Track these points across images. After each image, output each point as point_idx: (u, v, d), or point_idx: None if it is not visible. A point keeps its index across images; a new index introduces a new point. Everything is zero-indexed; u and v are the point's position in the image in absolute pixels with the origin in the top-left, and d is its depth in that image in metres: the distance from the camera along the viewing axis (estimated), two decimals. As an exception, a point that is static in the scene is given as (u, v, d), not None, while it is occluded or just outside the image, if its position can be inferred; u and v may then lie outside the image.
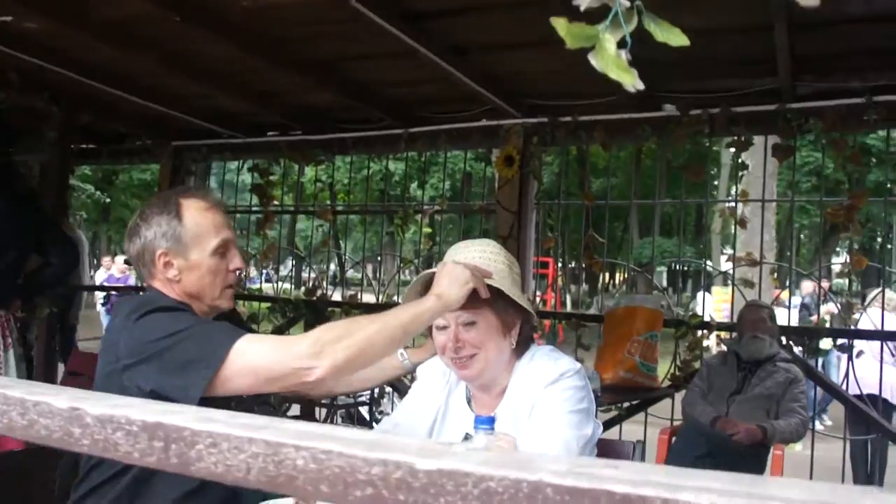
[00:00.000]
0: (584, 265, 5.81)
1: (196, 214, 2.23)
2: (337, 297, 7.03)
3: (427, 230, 6.79)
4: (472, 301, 2.14)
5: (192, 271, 2.21)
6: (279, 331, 6.92)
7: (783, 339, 5.02)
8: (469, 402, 2.32)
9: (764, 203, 5.85)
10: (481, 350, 2.18)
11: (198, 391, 1.90)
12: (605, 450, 2.50)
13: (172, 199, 2.25)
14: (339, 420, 6.87)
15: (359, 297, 6.74)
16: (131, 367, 2.00)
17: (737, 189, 5.53)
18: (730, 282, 5.70)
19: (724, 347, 5.16)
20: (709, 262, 18.54)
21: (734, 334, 5.06)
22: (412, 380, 2.52)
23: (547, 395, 2.14)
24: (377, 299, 6.72)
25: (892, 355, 6.21)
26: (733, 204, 5.51)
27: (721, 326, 5.33)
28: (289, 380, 1.96)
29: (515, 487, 0.60)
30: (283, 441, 0.69)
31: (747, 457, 4.36)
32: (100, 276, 16.51)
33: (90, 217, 26.26)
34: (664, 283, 29.57)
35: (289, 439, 0.69)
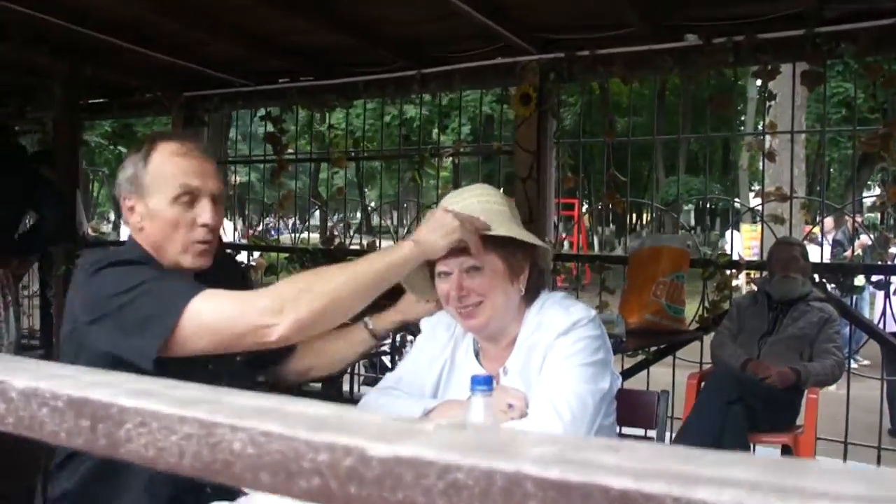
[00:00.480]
0: (609, 206, 5.65)
1: (163, 158, 2.06)
2: (361, 243, 6.91)
3: (445, 174, 6.63)
4: (477, 244, 2.01)
5: (154, 220, 2.04)
6: (298, 281, 6.82)
7: (815, 277, 4.84)
8: (477, 355, 2.18)
9: (793, 135, 5.64)
10: (487, 298, 2.03)
11: (152, 351, 1.77)
12: (629, 401, 2.37)
13: (147, 141, 2.11)
14: (363, 370, 6.80)
15: (377, 244, 6.62)
16: (88, 325, 1.88)
17: (764, 121, 5.31)
18: (759, 219, 5.51)
19: (754, 287, 4.99)
20: (737, 200, 18.26)
21: (765, 273, 4.89)
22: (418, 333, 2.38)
23: (559, 346, 2.00)
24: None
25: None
26: (761, 137, 5.27)
27: (751, 265, 5.17)
28: (248, 339, 1.81)
29: (488, 480, 0.46)
30: (219, 420, 0.56)
31: (780, 401, 4.22)
32: (125, 232, 16.50)
33: (114, 172, 26.32)
34: (692, 222, 29.24)
35: (225, 418, 0.55)
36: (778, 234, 5.12)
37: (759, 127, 17.87)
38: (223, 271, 2.18)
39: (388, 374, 2.30)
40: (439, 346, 2.23)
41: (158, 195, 2.05)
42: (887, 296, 5.00)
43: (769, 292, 4.60)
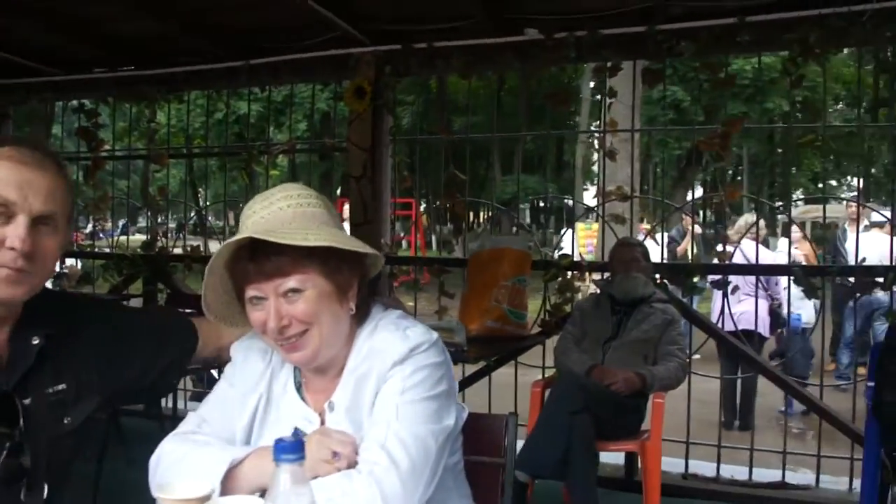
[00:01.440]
0: (448, 205, 5.40)
1: None
2: (185, 247, 6.37)
3: (274, 172, 6.21)
4: (293, 261, 1.67)
5: None
6: (116, 290, 6.28)
7: (657, 277, 4.75)
8: (299, 388, 1.84)
9: (633, 135, 5.58)
10: (314, 325, 1.70)
11: None
12: (474, 428, 2.07)
13: None
14: (189, 385, 6.30)
15: (203, 248, 6.13)
16: None
17: (604, 119, 5.21)
18: (595, 217, 5.41)
19: (596, 289, 4.86)
20: (568, 199, 18.60)
21: (606, 275, 4.77)
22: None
23: (395, 377, 1.69)
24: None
25: (765, 289, 6.12)
26: (601, 135, 5.16)
27: (593, 267, 5.03)
28: None
29: None
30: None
31: (626, 407, 4.08)
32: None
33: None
34: (527, 220, 29.75)
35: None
36: (618, 233, 5.02)
37: (594, 126, 18.25)
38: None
39: (190, 415, 1.90)
40: (253, 379, 1.86)
41: None
42: (725, 296, 4.99)
43: (612, 293, 4.46)
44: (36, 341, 1.77)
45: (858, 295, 4.72)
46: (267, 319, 1.69)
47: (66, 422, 1.80)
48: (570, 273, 5.01)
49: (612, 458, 4.90)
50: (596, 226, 13.20)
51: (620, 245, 4.67)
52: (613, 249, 4.66)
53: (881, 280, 4.46)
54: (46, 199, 1.69)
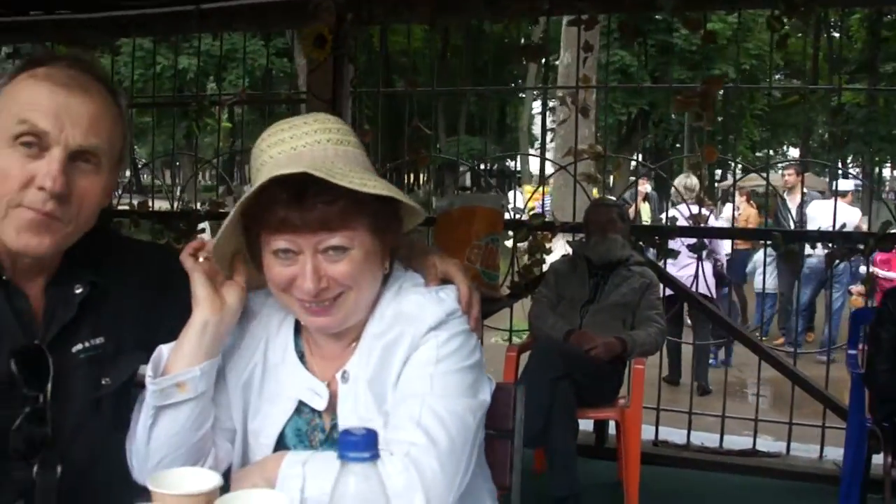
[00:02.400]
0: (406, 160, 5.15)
1: (25, 80, 1.42)
2: (132, 204, 6.00)
3: (227, 125, 5.88)
4: (342, 213, 1.40)
5: None
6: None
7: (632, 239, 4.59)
8: (302, 357, 1.58)
9: (606, 92, 5.39)
10: (353, 288, 1.45)
11: None
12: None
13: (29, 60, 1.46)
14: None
15: (150, 203, 5.78)
16: None
17: (578, 73, 4.99)
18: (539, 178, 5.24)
19: (569, 250, 4.68)
20: (510, 161, 18.46)
21: (581, 237, 4.59)
22: None
23: (429, 345, 1.46)
24: (172, 206, 5.80)
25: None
26: (574, 91, 4.94)
27: (566, 227, 4.83)
28: None
29: None
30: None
31: (605, 373, 3.93)
32: None
33: None
34: (468, 183, 29.56)
35: None
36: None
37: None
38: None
39: None
40: (246, 349, 1.60)
41: None
42: (700, 259, 4.85)
43: (588, 256, 4.28)
44: (79, 290, 1.51)
45: (837, 262, 4.61)
46: (296, 277, 1.43)
47: (103, 382, 1.54)
48: (539, 233, 4.81)
49: (581, 424, 4.76)
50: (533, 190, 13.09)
51: (595, 205, 4.50)
52: (589, 210, 4.47)
53: (861, 247, 4.35)
54: (88, 130, 1.41)
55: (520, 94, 25.53)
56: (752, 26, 18.62)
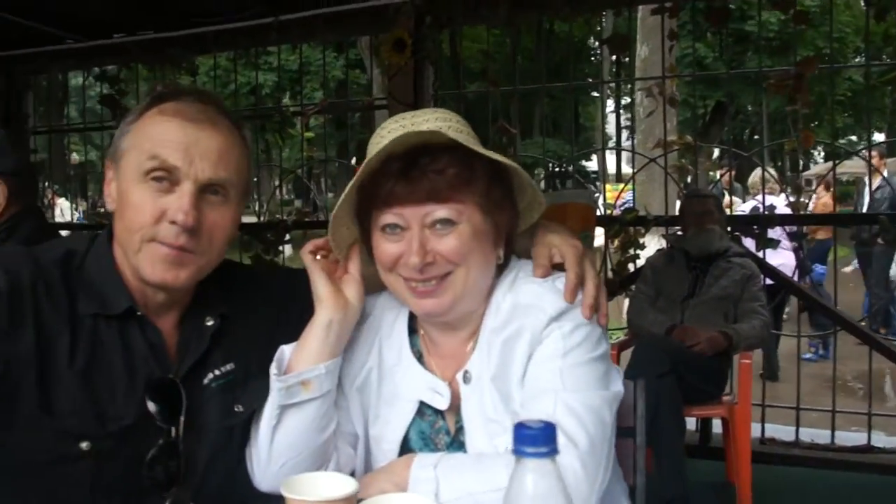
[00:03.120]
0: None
1: (152, 115, 1.44)
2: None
3: (309, 135, 5.91)
4: (451, 185, 1.37)
5: (121, 198, 1.43)
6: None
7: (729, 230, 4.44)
8: (420, 357, 1.53)
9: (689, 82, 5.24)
10: (460, 266, 1.40)
11: None
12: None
13: (155, 91, 1.51)
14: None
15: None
16: None
17: (664, 63, 4.86)
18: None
19: (662, 244, 4.55)
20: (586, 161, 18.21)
21: (676, 230, 4.45)
22: None
23: (553, 336, 1.39)
24: (258, 217, 5.85)
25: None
26: (661, 81, 4.81)
27: (660, 221, 4.70)
28: None
29: None
30: None
31: (710, 369, 3.80)
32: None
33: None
34: (542, 186, 29.34)
35: None
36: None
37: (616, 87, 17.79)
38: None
39: None
40: (360, 351, 1.56)
41: (131, 165, 1.41)
42: (800, 248, 4.68)
43: (686, 249, 4.15)
44: (210, 322, 1.52)
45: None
46: (404, 253, 1.39)
47: (237, 409, 1.51)
48: (631, 229, 4.69)
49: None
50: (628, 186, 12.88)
51: (690, 197, 4.36)
52: (685, 202, 4.35)
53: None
54: (217, 163, 1.41)
55: (593, 93, 25.29)
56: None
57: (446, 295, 1.41)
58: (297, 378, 1.41)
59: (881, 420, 4.80)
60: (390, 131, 1.42)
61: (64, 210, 9.49)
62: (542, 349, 1.39)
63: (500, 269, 1.50)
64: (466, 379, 1.46)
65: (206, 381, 1.49)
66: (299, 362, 1.44)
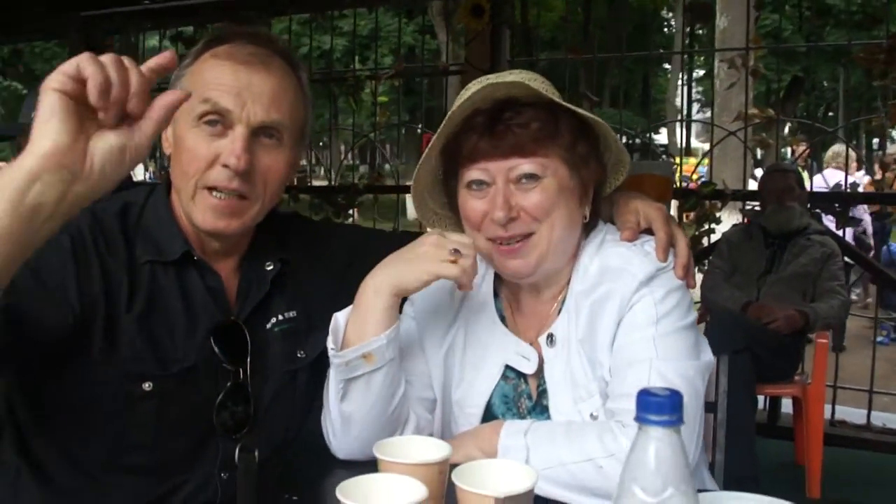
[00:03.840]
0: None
1: (208, 60, 1.43)
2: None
3: (383, 99, 5.90)
4: (535, 140, 1.36)
5: (176, 144, 1.43)
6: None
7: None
8: (504, 318, 1.53)
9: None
10: (544, 224, 1.39)
11: None
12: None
13: (211, 38, 1.47)
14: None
15: (308, 181, 5.86)
16: None
17: (748, 35, 4.73)
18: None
19: (738, 219, 4.47)
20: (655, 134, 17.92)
21: (755, 205, 4.37)
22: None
23: (644, 302, 1.37)
24: (329, 181, 5.87)
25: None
26: (745, 52, 4.68)
27: (738, 196, 4.61)
28: None
29: None
30: None
31: (786, 347, 3.73)
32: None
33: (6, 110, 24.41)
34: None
35: None
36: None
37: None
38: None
39: None
40: (443, 313, 1.55)
41: (185, 109, 1.36)
42: (883, 229, 4.55)
43: (764, 225, 4.07)
44: (270, 267, 1.53)
45: None
46: (490, 209, 1.38)
47: (299, 355, 1.54)
48: (708, 203, 4.60)
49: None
50: (692, 160, 12.67)
51: (771, 172, 4.27)
52: (763, 177, 4.26)
53: None
54: (270, 105, 1.40)
55: (665, 65, 24.81)
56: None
57: (532, 254, 1.40)
58: (355, 353, 1.37)
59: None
60: (473, 91, 1.40)
61: (136, 171, 9.69)
62: (632, 315, 1.38)
63: (587, 230, 1.48)
64: (551, 342, 1.45)
65: (269, 325, 1.51)
66: (358, 334, 1.39)
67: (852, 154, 7.47)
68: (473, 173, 1.40)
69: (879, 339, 7.00)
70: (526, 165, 1.37)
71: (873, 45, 4.24)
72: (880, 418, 4.63)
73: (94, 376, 1.34)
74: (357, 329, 1.39)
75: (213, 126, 1.37)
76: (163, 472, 1.41)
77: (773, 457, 4.09)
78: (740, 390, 3.42)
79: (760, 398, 4.38)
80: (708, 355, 1.42)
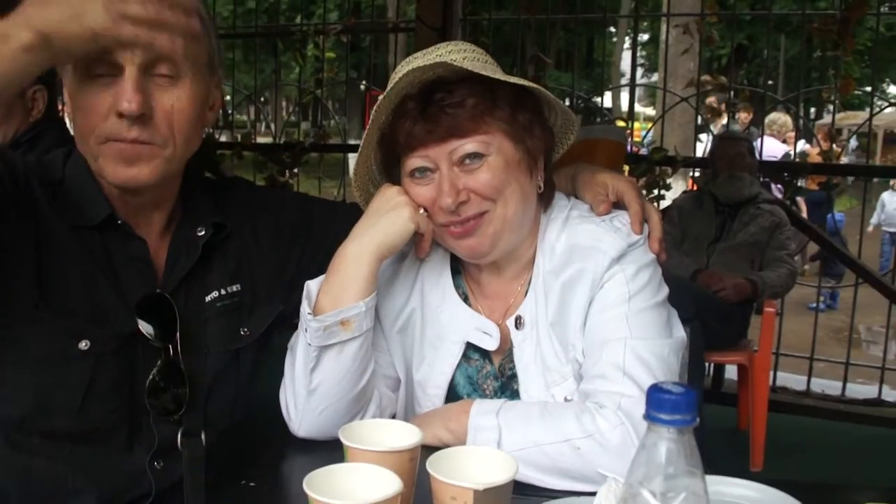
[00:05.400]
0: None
1: None
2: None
3: (331, 55, 5.75)
4: (473, 117, 1.29)
5: (73, 109, 1.29)
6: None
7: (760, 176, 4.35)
8: (466, 299, 1.46)
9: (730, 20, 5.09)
10: (497, 202, 1.32)
11: None
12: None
13: None
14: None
15: (252, 137, 5.70)
16: None
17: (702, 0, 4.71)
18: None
19: (687, 186, 4.47)
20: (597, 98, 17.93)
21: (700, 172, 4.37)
22: None
23: (616, 280, 1.33)
24: (274, 139, 5.73)
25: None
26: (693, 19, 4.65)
27: (689, 162, 4.60)
28: None
29: None
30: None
31: (734, 315, 3.75)
32: None
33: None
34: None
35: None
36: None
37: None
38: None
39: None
40: (398, 291, 1.48)
41: (72, 69, 1.25)
42: (829, 199, 4.59)
43: (714, 193, 4.07)
44: (201, 232, 1.40)
45: None
46: (437, 196, 1.31)
47: (242, 333, 1.43)
48: (658, 169, 4.58)
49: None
50: (639, 125, 12.73)
51: (722, 139, 4.26)
52: (714, 144, 4.25)
53: None
54: (163, 37, 1.20)
55: (610, 29, 24.83)
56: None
57: (486, 232, 1.33)
58: (335, 317, 1.29)
59: (892, 375, 4.78)
60: (401, 73, 1.32)
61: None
62: (604, 293, 1.33)
63: (545, 201, 1.42)
64: (519, 324, 1.39)
65: (208, 299, 1.41)
66: (335, 299, 1.31)
67: (791, 123, 7.57)
68: (414, 161, 1.32)
69: (817, 305, 7.16)
70: (467, 145, 1.29)
71: (827, 17, 4.24)
72: (819, 384, 4.72)
73: (25, 327, 1.24)
74: (331, 298, 1.32)
75: (104, 77, 1.24)
76: (81, 442, 1.31)
77: (716, 422, 4.13)
78: (689, 358, 3.42)
79: (706, 365, 4.44)
80: (680, 332, 1.38)
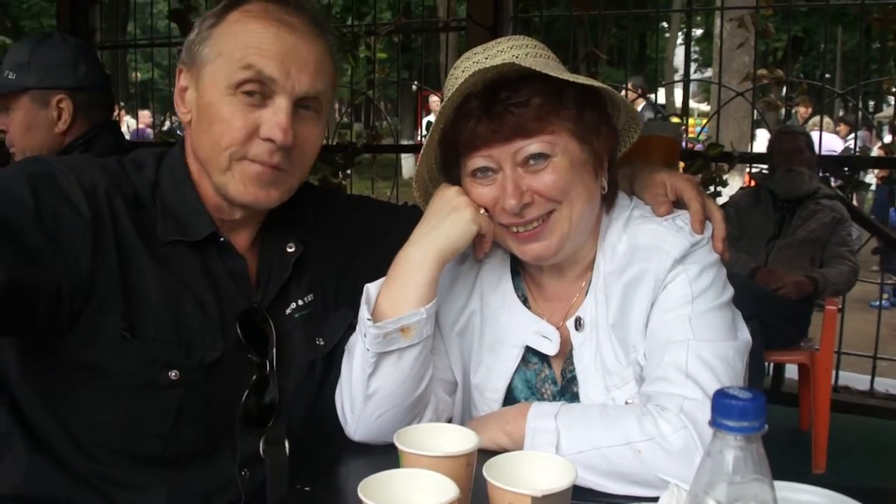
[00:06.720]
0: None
1: (237, 18, 1.29)
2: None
3: (382, 55, 5.76)
4: (538, 116, 1.26)
5: (204, 113, 1.29)
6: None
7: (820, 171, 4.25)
8: (525, 301, 1.44)
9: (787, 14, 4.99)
10: (562, 204, 1.30)
11: None
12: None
13: None
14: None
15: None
16: None
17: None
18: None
19: (744, 182, 4.39)
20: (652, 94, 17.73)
21: (761, 168, 4.28)
22: None
23: (679, 281, 1.30)
24: (327, 140, 5.75)
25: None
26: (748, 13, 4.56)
27: (746, 157, 4.51)
28: None
29: None
30: None
31: (795, 313, 3.68)
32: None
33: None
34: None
35: None
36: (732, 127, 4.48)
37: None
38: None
39: None
40: (457, 293, 1.46)
41: (218, 75, 1.27)
42: (892, 194, 4.47)
43: (773, 189, 3.99)
44: (291, 248, 1.42)
45: None
46: (500, 196, 1.29)
47: (318, 343, 1.44)
48: (715, 165, 4.50)
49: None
50: (693, 120, 12.52)
51: (781, 134, 4.18)
52: (773, 139, 4.16)
53: None
54: (315, 75, 1.30)
55: (663, 24, 24.55)
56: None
57: (553, 236, 1.31)
58: (396, 324, 1.28)
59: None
60: (464, 70, 1.31)
61: (130, 127, 9.53)
62: (667, 295, 1.30)
63: (608, 202, 1.40)
64: (579, 325, 1.37)
65: (288, 311, 1.41)
66: (395, 305, 1.30)
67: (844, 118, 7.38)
68: (477, 161, 1.31)
69: (880, 302, 6.98)
70: (532, 146, 1.27)
71: (888, 7, 4.13)
72: (882, 384, 4.60)
73: (114, 356, 1.25)
74: (392, 303, 1.30)
75: (251, 96, 1.26)
76: (173, 466, 1.32)
77: (777, 423, 4.02)
78: (749, 359, 3.36)
79: (765, 364, 4.35)
80: (745, 334, 1.35)
